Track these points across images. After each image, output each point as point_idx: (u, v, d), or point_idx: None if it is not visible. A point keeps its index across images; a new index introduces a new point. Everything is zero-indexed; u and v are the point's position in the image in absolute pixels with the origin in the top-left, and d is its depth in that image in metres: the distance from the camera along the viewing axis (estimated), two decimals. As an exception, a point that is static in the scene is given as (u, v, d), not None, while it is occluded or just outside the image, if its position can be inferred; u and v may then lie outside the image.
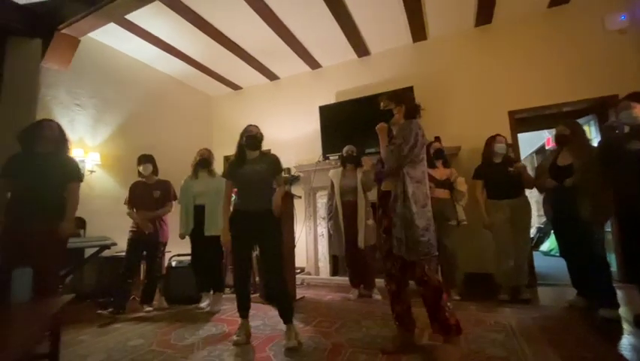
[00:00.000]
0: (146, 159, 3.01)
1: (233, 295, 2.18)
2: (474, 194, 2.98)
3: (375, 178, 1.97)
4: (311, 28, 3.84)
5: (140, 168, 2.99)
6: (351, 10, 3.53)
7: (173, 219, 3.06)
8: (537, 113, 3.68)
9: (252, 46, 4.18)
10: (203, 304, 2.93)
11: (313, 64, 4.67)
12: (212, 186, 2.92)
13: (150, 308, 2.90)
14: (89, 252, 3.15)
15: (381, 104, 1.91)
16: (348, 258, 3.18)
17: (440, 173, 3.03)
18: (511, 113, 3.64)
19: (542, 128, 4.74)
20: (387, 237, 1.80)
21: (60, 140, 2.25)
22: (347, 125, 4.10)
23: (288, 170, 4.38)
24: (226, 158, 5.11)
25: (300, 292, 3.25)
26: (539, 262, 4.04)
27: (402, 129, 1.78)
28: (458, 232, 3.01)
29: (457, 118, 3.85)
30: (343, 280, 3.71)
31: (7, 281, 1.57)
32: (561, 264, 2.79)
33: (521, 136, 3.82)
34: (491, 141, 2.93)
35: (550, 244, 5.87)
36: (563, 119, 2.85)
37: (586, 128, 3.21)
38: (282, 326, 2.03)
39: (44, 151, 2.16)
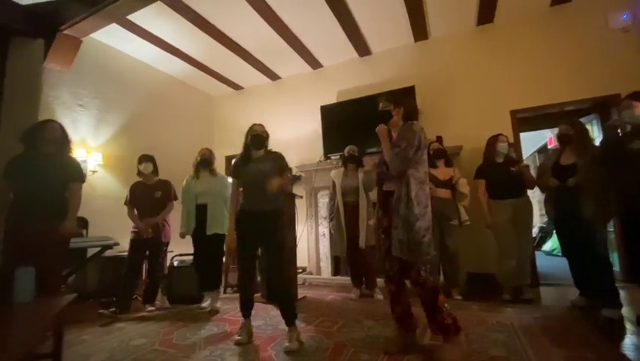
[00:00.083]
0: (146, 158, 3.03)
1: (235, 295, 2.18)
2: (476, 194, 2.97)
3: (377, 179, 1.97)
4: (312, 27, 3.84)
5: (141, 167, 3.01)
6: (353, 9, 3.53)
7: (175, 219, 3.07)
8: (539, 112, 3.67)
9: (253, 46, 4.18)
10: (205, 303, 2.93)
11: (314, 64, 4.67)
12: (214, 186, 2.95)
13: (152, 308, 2.91)
14: (91, 252, 3.16)
15: (380, 105, 1.91)
16: (350, 258, 3.18)
17: (442, 173, 3.02)
18: (513, 113, 3.63)
19: (544, 128, 4.71)
20: (386, 237, 1.80)
21: (62, 140, 2.26)
22: (348, 125, 4.10)
23: (290, 170, 4.37)
24: (227, 158, 5.12)
25: (301, 292, 3.26)
26: (541, 261, 4.02)
27: (404, 132, 1.77)
28: (460, 231, 3.01)
29: (458, 117, 3.83)
30: (345, 279, 3.71)
31: (10, 281, 1.58)
32: (563, 264, 2.79)
33: (523, 135, 3.80)
34: (494, 140, 2.91)
35: (552, 243, 5.85)
36: (565, 118, 2.84)
37: (588, 127, 3.19)
38: (284, 326, 2.03)
39: (47, 152, 2.17)
